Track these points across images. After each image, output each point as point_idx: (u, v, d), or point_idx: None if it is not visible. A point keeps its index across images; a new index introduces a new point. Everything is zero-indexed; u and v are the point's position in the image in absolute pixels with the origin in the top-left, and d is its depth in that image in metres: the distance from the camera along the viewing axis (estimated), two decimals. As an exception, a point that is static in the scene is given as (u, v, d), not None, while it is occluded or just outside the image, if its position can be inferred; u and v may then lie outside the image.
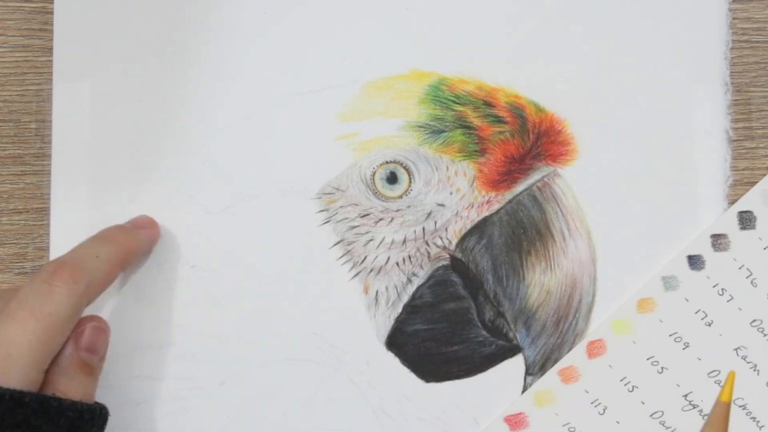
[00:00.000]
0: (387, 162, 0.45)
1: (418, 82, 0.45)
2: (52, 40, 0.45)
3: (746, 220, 0.45)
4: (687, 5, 0.45)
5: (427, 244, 0.45)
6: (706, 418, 0.44)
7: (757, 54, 0.45)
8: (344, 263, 0.45)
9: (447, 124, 0.45)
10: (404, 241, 0.45)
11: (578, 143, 0.45)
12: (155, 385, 0.44)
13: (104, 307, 0.44)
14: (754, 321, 0.44)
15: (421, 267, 0.45)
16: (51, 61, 0.45)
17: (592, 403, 0.44)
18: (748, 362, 0.44)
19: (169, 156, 0.45)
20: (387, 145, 0.45)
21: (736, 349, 0.44)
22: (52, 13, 0.45)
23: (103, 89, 0.45)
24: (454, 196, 0.45)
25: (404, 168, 0.45)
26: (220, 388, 0.44)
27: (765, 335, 0.44)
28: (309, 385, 0.44)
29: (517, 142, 0.45)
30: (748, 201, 0.45)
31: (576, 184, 0.45)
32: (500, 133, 0.45)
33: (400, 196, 0.45)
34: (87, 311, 0.44)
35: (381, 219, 0.45)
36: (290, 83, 0.45)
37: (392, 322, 0.45)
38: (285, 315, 0.44)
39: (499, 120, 0.45)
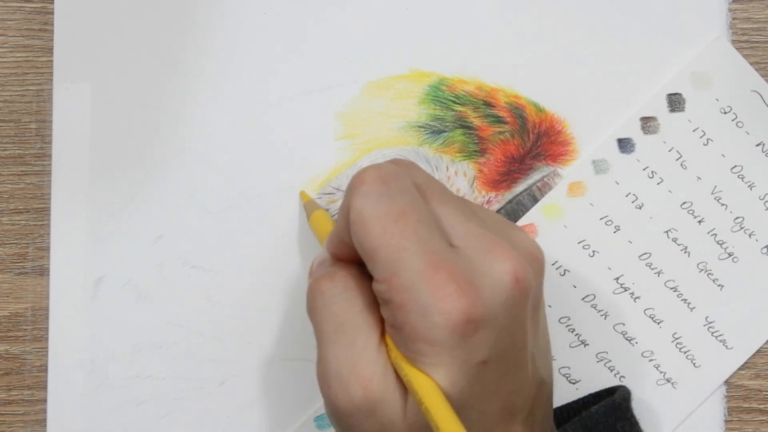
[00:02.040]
0: (387, 162, 0.45)
1: (418, 82, 0.45)
2: (52, 40, 0.45)
3: (675, 102, 0.44)
4: (687, 6, 0.45)
5: (427, 244, 0.45)
6: (637, 300, 0.44)
7: (757, 54, 0.45)
8: (344, 263, 0.44)
9: (447, 124, 0.45)
10: (404, 241, 0.45)
11: (578, 143, 0.45)
12: (155, 385, 0.44)
13: (104, 307, 0.44)
14: (684, 203, 0.44)
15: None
16: (51, 61, 0.45)
17: None
18: (679, 244, 0.44)
19: (169, 156, 0.45)
20: (387, 145, 0.45)
21: (666, 232, 0.44)
22: (52, 13, 0.45)
23: (104, 89, 0.45)
24: (454, 196, 0.45)
25: (404, 168, 0.45)
26: (220, 388, 0.44)
27: (695, 217, 0.44)
28: (309, 386, 0.44)
29: (517, 142, 0.45)
30: (678, 83, 0.44)
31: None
32: (500, 133, 0.45)
33: (400, 196, 0.45)
34: (87, 311, 0.44)
35: (381, 219, 0.45)
36: (290, 83, 0.45)
37: (392, 322, 0.45)
38: (285, 315, 0.44)
39: (499, 120, 0.45)
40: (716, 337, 0.44)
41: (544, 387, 0.38)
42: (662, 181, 0.44)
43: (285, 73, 0.45)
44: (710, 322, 0.44)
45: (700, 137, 0.44)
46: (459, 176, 0.45)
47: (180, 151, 0.45)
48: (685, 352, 0.44)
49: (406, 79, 0.45)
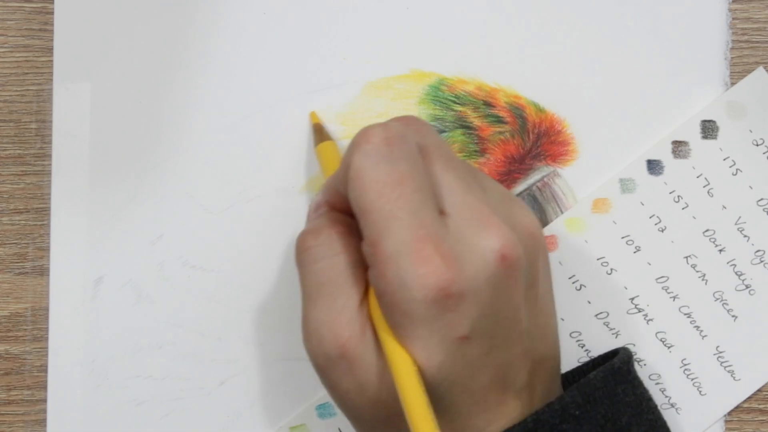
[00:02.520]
0: (387, 162, 0.45)
1: (418, 82, 0.45)
2: (52, 40, 0.45)
3: (709, 129, 0.44)
4: (687, 5, 0.45)
5: (427, 244, 0.45)
6: (650, 323, 0.44)
7: (757, 54, 0.45)
8: (344, 263, 0.44)
9: (447, 124, 0.45)
10: (404, 241, 0.45)
11: (578, 143, 0.45)
12: (155, 385, 0.44)
13: (104, 307, 0.44)
14: (706, 231, 0.44)
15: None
16: (51, 61, 0.45)
17: None
18: (697, 271, 0.44)
19: (169, 156, 0.45)
20: (387, 145, 0.45)
21: (686, 257, 0.44)
22: (52, 13, 0.45)
23: (104, 89, 0.45)
24: (454, 196, 0.45)
25: (404, 168, 0.45)
26: (220, 388, 0.44)
27: (716, 246, 0.44)
28: (309, 386, 0.44)
29: (517, 142, 0.45)
30: (713, 110, 0.44)
31: (576, 184, 0.45)
32: (500, 133, 0.45)
33: (400, 196, 0.45)
34: (87, 311, 0.44)
35: (381, 219, 0.45)
36: (290, 83, 0.45)
37: (392, 322, 0.45)
38: (285, 315, 0.44)
39: (499, 120, 0.45)
40: (725, 367, 0.44)
41: (546, 362, 0.37)
42: (687, 206, 0.44)
43: (285, 73, 0.45)
44: (720, 352, 0.44)
45: (730, 166, 0.44)
46: (459, 176, 0.45)
47: (180, 151, 0.45)
48: (692, 379, 0.44)
49: (406, 79, 0.45)
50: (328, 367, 0.35)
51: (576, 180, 0.45)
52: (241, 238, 0.44)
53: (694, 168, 0.44)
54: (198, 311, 0.44)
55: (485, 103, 0.45)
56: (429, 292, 0.33)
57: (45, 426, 0.44)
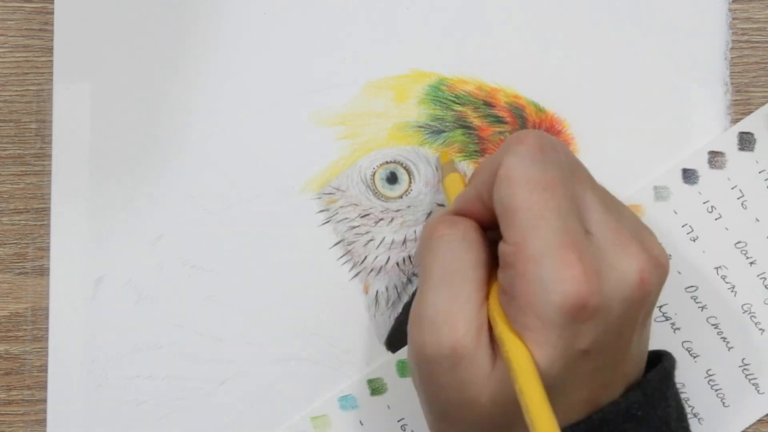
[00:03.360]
0: (387, 162, 0.45)
1: (418, 82, 0.45)
2: (52, 40, 0.45)
3: (746, 141, 0.44)
4: (687, 5, 0.45)
5: (427, 244, 0.45)
6: (677, 331, 0.43)
7: (757, 54, 0.45)
8: (344, 263, 0.45)
9: (447, 124, 0.45)
10: (404, 241, 0.45)
11: (578, 143, 0.45)
12: (155, 385, 0.44)
13: (104, 307, 0.44)
14: (738, 242, 0.44)
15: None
16: (51, 61, 0.45)
17: None
18: (727, 282, 0.44)
19: (169, 156, 0.45)
20: (387, 145, 0.45)
21: (716, 268, 0.44)
22: (52, 13, 0.45)
23: (103, 89, 0.45)
24: (454, 196, 0.45)
25: (404, 168, 0.45)
26: (220, 388, 0.44)
27: (747, 258, 0.44)
28: (309, 386, 0.44)
29: (517, 142, 0.45)
30: (751, 122, 0.44)
31: (576, 184, 0.45)
32: (500, 133, 0.45)
33: (400, 197, 0.45)
34: (87, 311, 0.44)
35: (381, 219, 0.45)
36: (290, 83, 0.45)
37: (392, 322, 0.45)
38: (285, 315, 0.44)
39: (499, 120, 0.45)
40: (750, 380, 0.44)
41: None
42: (720, 217, 0.44)
43: (285, 73, 0.45)
44: (746, 364, 0.44)
45: (766, 179, 0.44)
46: (459, 176, 0.45)
47: (180, 151, 0.45)
48: (716, 390, 0.44)
49: (406, 79, 0.45)
50: (435, 358, 0.35)
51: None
52: (241, 238, 0.44)
53: (729, 179, 0.44)
54: (198, 311, 0.44)
55: (485, 103, 0.45)
56: (568, 298, 0.33)
57: (45, 426, 0.44)
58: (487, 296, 0.36)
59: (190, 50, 0.45)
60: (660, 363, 0.39)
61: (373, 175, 0.45)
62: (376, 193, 0.45)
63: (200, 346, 0.44)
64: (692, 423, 0.44)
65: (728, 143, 0.44)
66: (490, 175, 0.36)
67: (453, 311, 0.35)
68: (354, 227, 0.45)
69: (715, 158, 0.44)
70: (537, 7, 0.45)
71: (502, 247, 0.35)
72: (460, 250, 0.36)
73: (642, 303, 0.35)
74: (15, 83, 0.45)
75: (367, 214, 0.45)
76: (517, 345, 0.34)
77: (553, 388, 0.34)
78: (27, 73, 0.45)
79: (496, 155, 0.36)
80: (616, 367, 0.36)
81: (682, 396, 0.43)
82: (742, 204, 0.44)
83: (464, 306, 0.35)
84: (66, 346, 0.44)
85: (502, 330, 0.34)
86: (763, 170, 0.44)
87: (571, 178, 0.36)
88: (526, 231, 0.34)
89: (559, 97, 0.45)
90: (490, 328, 0.35)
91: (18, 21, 0.45)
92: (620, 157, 0.45)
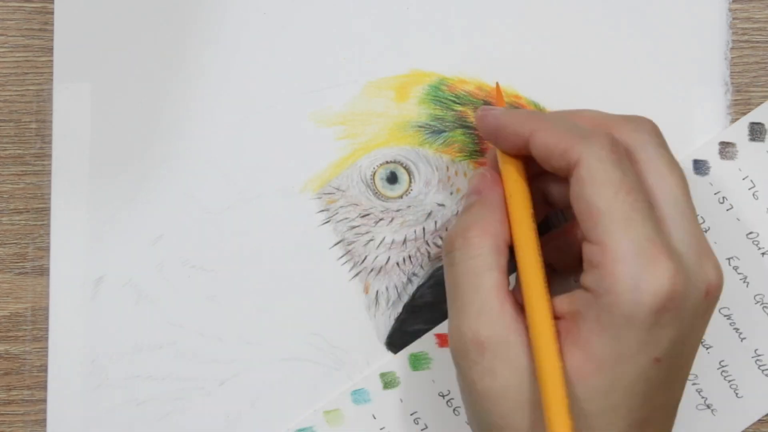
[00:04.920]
0: (387, 162, 0.45)
1: (418, 82, 0.45)
2: (52, 40, 0.45)
3: (757, 131, 0.44)
4: (687, 5, 0.45)
5: (428, 244, 0.45)
6: None
7: (757, 54, 0.45)
8: (344, 263, 0.45)
9: (447, 124, 0.45)
10: (404, 241, 0.45)
11: (578, 143, 0.45)
12: (155, 385, 0.44)
13: (104, 307, 0.44)
14: (750, 233, 0.44)
15: (422, 267, 0.45)
16: (51, 61, 0.45)
17: None
18: (739, 273, 0.44)
19: (169, 156, 0.45)
20: (387, 145, 0.45)
21: (728, 259, 0.44)
22: (52, 13, 0.45)
23: (104, 89, 0.45)
24: (455, 197, 0.45)
25: (404, 168, 0.45)
26: (220, 388, 0.44)
27: (759, 249, 0.44)
28: (309, 385, 0.44)
29: (517, 142, 0.45)
30: (762, 113, 0.44)
31: (576, 184, 0.45)
32: (500, 133, 0.45)
33: (401, 196, 0.45)
34: (87, 311, 0.44)
35: (381, 219, 0.45)
36: (290, 83, 0.45)
37: (392, 322, 0.45)
38: (285, 315, 0.44)
39: (499, 120, 0.45)
40: (762, 370, 0.44)
41: (673, 414, 0.37)
42: (732, 207, 0.44)
43: (285, 73, 0.45)
44: (759, 355, 0.44)
45: None
46: (459, 176, 0.45)
47: (180, 151, 0.45)
48: (729, 381, 0.44)
49: (406, 79, 0.45)
50: (463, 354, 0.36)
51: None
52: (241, 238, 0.44)
53: (740, 170, 0.44)
54: (198, 311, 0.44)
55: (485, 103, 0.45)
56: (658, 298, 0.34)
57: (45, 426, 0.44)
58: (508, 296, 0.36)
59: (190, 50, 0.45)
60: None
61: (373, 175, 0.45)
62: (376, 193, 0.45)
63: (200, 346, 0.44)
64: (705, 414, 0.44)
65: (739, 134, 0.44)
66: (563, 157, 0.36)
67: (471, 320, 0.36)
68: (354, 227, 0.45)
69: (726, 149, 0.44)
70: (537, 7, 0.45)
71: (587, 247, 0.35)
72: (467, 262, 0.37)
73: (709, 312, 0.36)
74: (15, 83, 0.45)
75: (367, 214, 0.45)
76: (549, 344, 0.34)
77: (616, 397, 0.34)
78: (27, 73, 0.45)
79: (571, 147, 0.36)
80: (673, 390, 0.36)
81: (695, 387, 0.44)
82: (753, 194, 0.44)
83: (480, 314, 0.36)
84: (66, 346, 0.44)
85: (530, 324, 0.35)
86: None
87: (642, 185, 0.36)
88: (615, 232, 0.34)
89: (559, 97, 0.45)
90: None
91: (18, 21, 0.45)
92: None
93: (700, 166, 0.44)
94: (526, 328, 0.36)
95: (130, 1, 0.45)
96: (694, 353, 0.36)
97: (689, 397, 0.43)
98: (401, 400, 0.44)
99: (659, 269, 0.34)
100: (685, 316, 0.34)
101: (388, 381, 0.44)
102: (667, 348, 0.34)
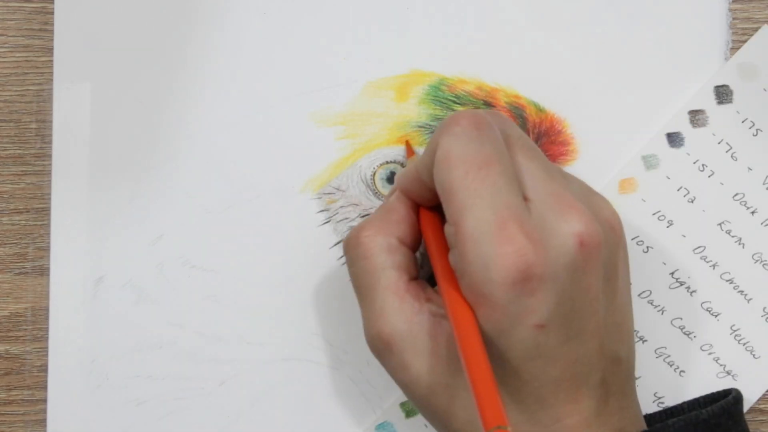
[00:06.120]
0: (387, 162, 0.45)
1: (418, 82, 0.45)
2: (52, 40, 0.45)
3: (723, 94, 0.44)
4: (687, 5, 0.45)
5: (427, 244, 0.45)
6: (693, 294, 0.43)
7: (757, 54, 0.45)
8: (344, 263, 0.44)
9: (447, 124, 0.45)
10: (404, 241, 0.45)
11: (578, 143, 0.45)
12: (155, 385, 0.44)
13: (104, 307, 0.44)
14: (736, 195, 0.44)
15: (422, 267, 0.45)
16: (51, 61, 0.45)
17: None
18: (733, 236, 0.44)
19: (169, 156, 0.45)
20: (387, 145, 0.45)
21: (719, 224, 0.44)
22: (52, 13, 0.45)
23: (104, 89, 0.45)
24: (454, 196, 0.45)
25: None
26: (220, 388, 0.44)
27: (748, 208, 0.44)
28: (309, 385, 0.44)
29: (517, 142, 0.45)
30: (725, 75, 0.44)
31: (576, 184, 0.45)
32: (500, 133, 0.45)
33: (400, 196, 0.45)
34: (87, 311, 0.44)
35: (381, 219, 0.45)
36: (290, 83, 0.45)
37: (392, 322, 0.44)
38: (285, 315, 0.44)
39: (499, 120, 0.45)
40: None
41: (621, 364, 0.37)
42: (713, 173, 0.44)
43: (285, 73, 0.45)
44: None
45: (749, 128, 0.44)
46: (459, 176, 0.45)
47: (180, 151, 0.45)
48: (744, 344, 0.44)
49: (406, 79, 0.45)
50: (376, 353, 0.38)
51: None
52: (241, 238, 0.44)
53: (714, 135, 0.44)
54: (198, 311, 0.44)
55: (485, 103, 0.45)
56: (509, 273, 0.33)
57: (45, 426, 0.44)
58: (409, 291, 0.37)
59: (190, 50, 0.45)
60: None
61: (374, 175, 0.45)
62: (377, 193, 0.45)
63: (200, 346, 0.44)
64: (726, 381, 0.44)
65: (706, 99, 0.44)
66: (429, 156, 0.37)
67: (374, 317, 0.37)
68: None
69: (696, 117, 0.44)
70: (537, 7, 0.45)
71: (446, 228, 0.36)
72: (363, 261, 0.38)
73: (590, 266, 0.35)
74: (15, 83, 0.45)
75: (368, 214, 0.45)
76: (459, 304, 0.35)
77: (513, 367, 0.34)
78: (27, 73, 0.45)
79: (434, 137, 0.37)
80: (585, 341, 0.35)
81: (711, 356, 0.44)
82: (731, 156, 0.44)
83: (382, 311, 0.37)
84: (66, 346, 0.44)
85: (445, 296, 0.36)
86: (746, 119, 0.44)
87: (510, 152, 0.36)
88: (464, 210, 0.34)
89: (559, 97, 0.45)
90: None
91: (18, 21, 0.45)
92: (620, 157, 0.45)
93: (674, 139, 0.44)
94: (431, 314, 0.37)
95: (131, 1, 0.45)
96: (597, 302, 0.36)
97: (708, 367, 0.43)
98: (426, 426, 0.44)
99: (507, 243, 0.34)
100: (558, 277, 0.34)
101: (410, 410, 0.44)
102: (549, 312, 0.34)
